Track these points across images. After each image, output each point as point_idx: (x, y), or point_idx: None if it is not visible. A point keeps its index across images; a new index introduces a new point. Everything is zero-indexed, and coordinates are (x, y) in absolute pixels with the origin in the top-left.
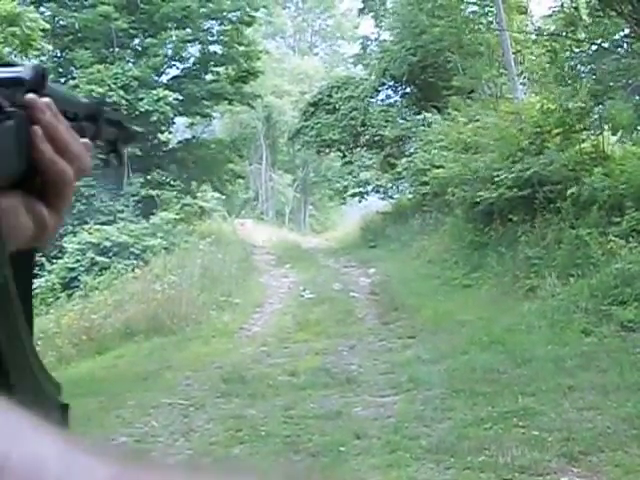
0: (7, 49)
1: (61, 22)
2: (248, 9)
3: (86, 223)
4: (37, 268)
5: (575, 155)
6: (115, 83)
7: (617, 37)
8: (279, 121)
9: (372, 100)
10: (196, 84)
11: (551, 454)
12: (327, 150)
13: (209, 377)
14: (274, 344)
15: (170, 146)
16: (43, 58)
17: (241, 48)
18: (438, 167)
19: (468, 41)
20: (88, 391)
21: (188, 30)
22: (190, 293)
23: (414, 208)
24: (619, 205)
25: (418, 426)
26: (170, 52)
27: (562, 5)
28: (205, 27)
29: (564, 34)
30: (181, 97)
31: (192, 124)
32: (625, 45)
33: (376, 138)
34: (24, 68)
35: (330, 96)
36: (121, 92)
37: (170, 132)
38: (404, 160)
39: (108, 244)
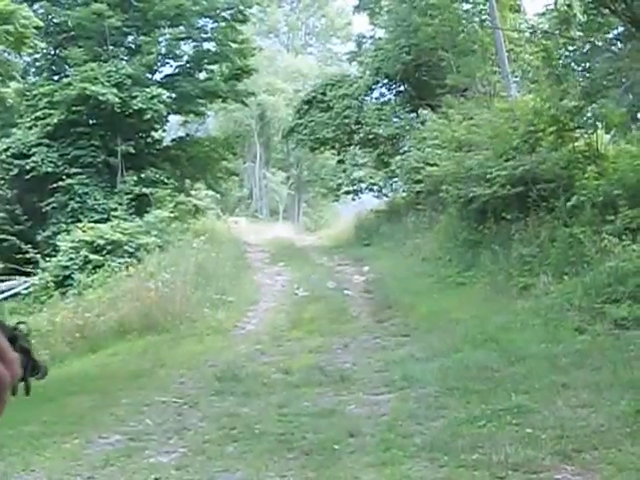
0: (1, 47)
1: (54, 20)
2: (241, 7)
3: (80, 221)
4: (31, 266)
5: (568, 154)
6: (108, 81)
7: (611, 35)
8: (273, 119)
9: (366, 98)
10: (190, 82)
11: (545, 452)
12: (321, 148)
13: (203, 375)
14: (268, 342)
15: (164, 144)
16: (37, 56)
17: (235, 46)
18: (432, 165)
19: (462, 39)
20: (82, 389)
21: (181, 28)
22: (184, 291)
23: (408, 206)
24: (612, 203)
25: (412, 424)
26: (164, 50)
27: (556, 3)
28: (199, 25)
29: (558, 32)
30: (175, 95)
31: (186, 122)
32: (619, 43)
33: (370, 136)
34: None
35: (324, 94)
36: (114, 90)
37: (164, 130)
38: (398, 158)
39: (102, 242)
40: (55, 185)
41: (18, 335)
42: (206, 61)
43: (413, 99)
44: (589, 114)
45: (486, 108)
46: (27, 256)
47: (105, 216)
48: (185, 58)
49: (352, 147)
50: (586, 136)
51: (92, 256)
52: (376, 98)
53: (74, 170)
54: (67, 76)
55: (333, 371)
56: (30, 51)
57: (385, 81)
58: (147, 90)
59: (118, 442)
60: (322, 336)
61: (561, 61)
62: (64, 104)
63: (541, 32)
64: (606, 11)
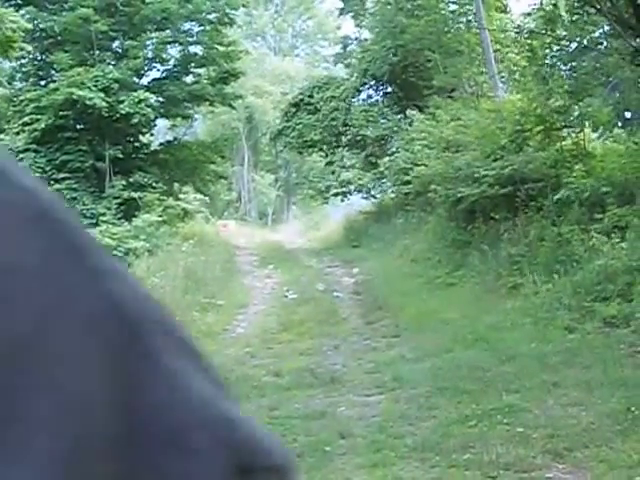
0: None
1: (40, 25)
2: (227, 9)
3: None
4: None
5: (556, 153)
6: (95, 86)
7: (597, 34)
8: (261, 122)
9: (353, 100)
10: (177, 86)
11: (536, 451)
12: (309, 150)
13: None
14: (258, 345)
15: (152, 148)
16: (23, 61)
17: (221, 49)
18: (420, 166)
19: (448, 40)
20: None
21: (168, 32)
22: (173, 295)
23: (397, 207)
24: (600, 202)
25: (403, 425)
26: (150, 54)
27: (541, 3)
28: (185, 28)
29: (543, 32)
30: (162, 99)
31: (174, 126)
32: (605, 42)
33: (358, 138)
34: None
35: (311, 96)
36: (101, 95)
37: (151, 134)
38: (386, 159)
39: None
40: None
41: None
42: (193, 65)
43: (401, 100)
44: (576, 113)
45: (473, 108)
46: None
47: (93, 221)
48: (172, 62)
49: (340, 149)
50: (573, 135)
51: None
52: (363, 100)
53: (62, 175)
54: (54, 81)
55: (324, 373)
56: (17, 56)
57: (372, 82)
58: (134, 94)
59: None
60: (312, 338)
61: (547, 61)
62: (51, 109)
63: (527, 32)
64: (592, 10)
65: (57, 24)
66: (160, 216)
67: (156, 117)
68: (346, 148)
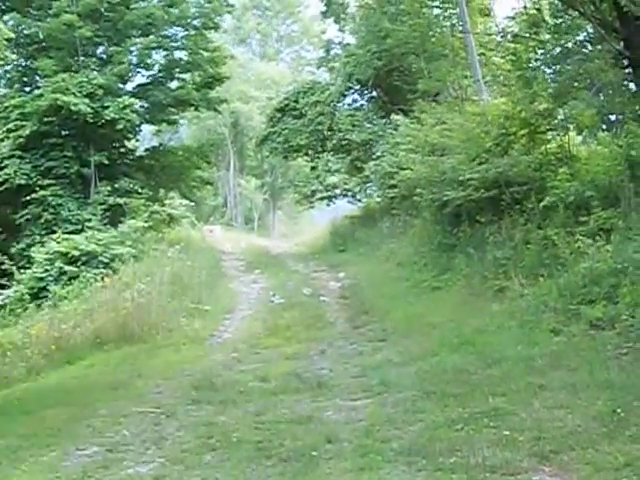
0: None
1: (25, 31)
2: (212, 15)
3: (54, 232)
4: (6, 279)
5: (541, 156)
6: (80, 91)
7: (580, 38)
8: (246, 127)
9: (339, 105)
10: (162, 91)
11: (522, 454)
12: (295, 155)
13: (180, 385)
14: (245, 350)
15: (137, 154)
16: (7, 68)
17: (206, 54)
18: (405, 170)
19: (432, 44)
20: (58, 401)
21: (152, 37)
22: (160, 301)
23: (382, 211)
24: (585, 205)
25: (389, 429)
26: (135, 60)
27: (525, 7)
28: (169, 34)
29: (527, 36)
30: (147, 104)
31: (159, 131)
32: (589, 45)
33: (343, 142)
34: None
35: (296, 101)
36: (86, 100)
37: (137, 140)
38: (372, 163)
39: (76, 253)
40: (28, 197)
41: None
42: (178, 70)
43: (385, 104)
44: (560, 116)
45: (458, 112)
46: (2, 268)
47: (79, 227)
48: (157, 67)
49: (326, 153)
50: (558, 138)
51: (67, 267)
52: (349, 104)
53: (47, 181)
54: (38, 87)
55: (310, 377)
56: (1, 63)
57: (357, 87)
58: (119, 100)
59: (96, 454)
60: (299, 343)
61: (531, 64)
62: (36, 115)
63: (511, 36)
64: (575, 13)
65: (41, 30)
66: (146, 222)
67: (141, 123)
68: (332, 153)
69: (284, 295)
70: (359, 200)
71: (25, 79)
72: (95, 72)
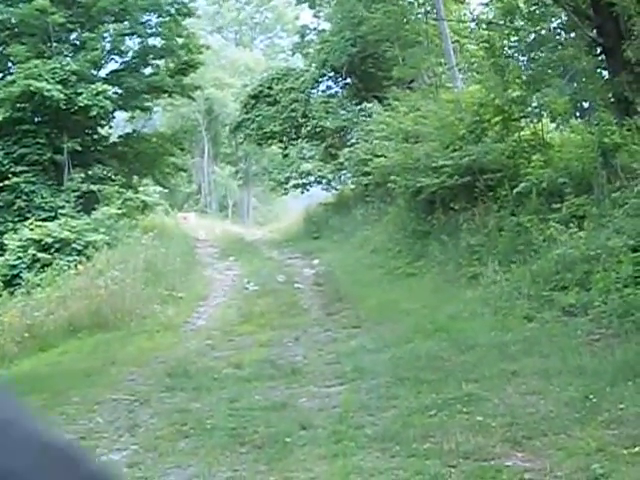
0: None
1: None
2: (185, 0)
3: (27, 219)
4: None
5: (514, 143)
6: (53, 78)
7: (554, 25)
8: (221, 114)
9: (313, 91)
10: (135, 77)
11: (495, 439)
12: (268, 142)
13: (154, 372)
14: (219, 337)
15: (111, 140)
16: None
17: (180, 40)
18: (380, 157)
19: (407, 31)
20: (31, 389)
21: (126, 23)
22: (134, 288)
23: (357, 198)
24: (559, 192)
25: (363, 415)
26: (108, 46)
27: None
28: (143, 20)
29: (501, 23)
30: (120, 91)
31: (132, 118)
32: (562, 33)
33: (317, 129)
34: None
35: (270, 88)
36: (59, 87)
37: (110, 126)
38: (346, 150)
39: (50, 240)
40: (1, 184)
41: None
42: (151, 56)
43: (360, 91)
44: (534, 104)
45: (432, 99)
46: None
47: (52, 214)
48: (130, 53)
49: (300, 140)
50: (531, 125)
51: (40, 255)
52: (323, 91)
53: (20, 168)
54: (11, 73)
55: (284, 364)
56: None
57: (331, 74)
58: (92, 86)
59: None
60: (273, 330)
61: (505, 51)
62: (8, 102)
63: (485, 23)
64: (549, 1)
65: (13, 16)
66: (119, 209)
67: (115, 109)
68: (306, 139)
69: (258, 282)
70: (333, 187)
71: None
72: (68, 58)
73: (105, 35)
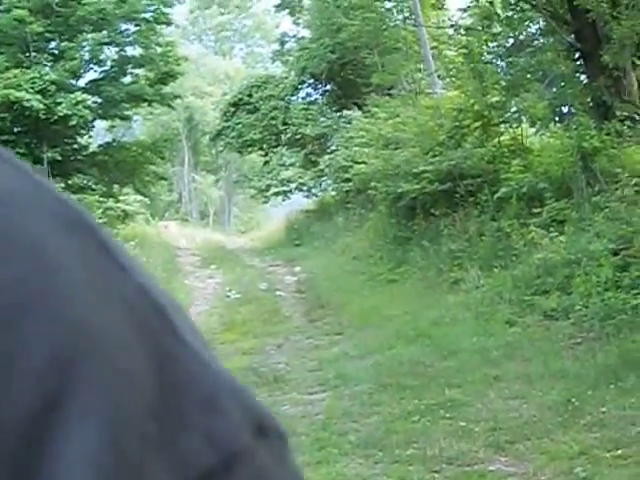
0: None
1: None
2: (162, 7)
3: None
4: None
5: (494, 148)
6: (32, 87)
7: (532, 30)
8: (201, 122)
9: (292, 98)
10: (115, 86)
11: (478, 444)
12: (249, 150)
13: None
14: None
15: (91, 150)
16: None
17: (159, 50)
18: (360, 163)
19: (385, 38)
20: None
21: (104, 32)
22: None
23: (338, 205)
24: (539, 196)
25: (346, 422)
26: (87, 55)
27: (477, 0)
28: (122, 29)
29: (480, 29)
30: (100, 100)
31: (112, 127)
32: (540, 38)
33: (297, 136)
34: None
35: (250, 96)
36: (38, 96)
37: (90, 136)
38: (326, 157)
39: None
40: None
41: None
42: (131, 65)
43: (340, 98)
44: (513, 108)
45: (412, 106)
46: None
47: None
48: (109, 63)
49: (280, 148)
50: (511, 130)
51: None
52: (302, 98)
53: None
54: None
55: (267, 372)
56: None
57: (311, 81)
58: (72, 96)
59: None
60: (255, 337)
61: (483, 57)
62: None
63: (463, 29)
64: (527, 6)
65: None
66: (100, 218)
67: (94, 118)
68: (286, 147)
69: (240, 290)
70: (314, 194)
71: None
72: (47, 68)
73: (84, 44)
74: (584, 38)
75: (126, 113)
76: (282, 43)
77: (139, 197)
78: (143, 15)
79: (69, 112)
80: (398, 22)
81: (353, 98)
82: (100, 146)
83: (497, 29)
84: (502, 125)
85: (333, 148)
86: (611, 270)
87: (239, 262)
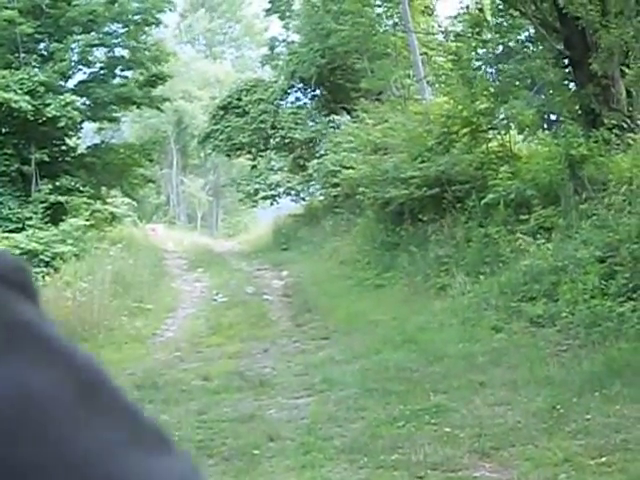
0: None
1: None
2: (153, 11)
3: None
4: None
5: (482, 155)
6: (21, 89)
7: (522, 38)
8: (190, 125)
9: (282, 103)
10: (103, 88)
11: (463, 450)
12: (237, 153)
13: (122, 384)
14: (187, 349)
15: (79, 151)
16: None
17: (148, 52)
18: (348, 168)
19: (375, 43)
20: None
21: (94, 34)
22: (102, 300)
23: (326, 210)
24: (526, 203)
25: (331, 426)
26: (76, 56)
27: (467, 7)
28: (111, 31)
29: (469, 35)
30: (89, 102)
31: (100, 129)
32: (529, 45)
33: (286, 140)
34: None
35: (239, 99)
36: (27, 98)
37: (78, 137)
38: (314, 162)
39: (17, 252)
40: None
41: None
42: (120, 67)
43: (329, 103)
44: (501, 115)
45: (400, 111)
46: None
47: (20, 225)
48: (98, 64)
49: (268, 151)
50: (499, 137)
51: None
52: (292, 102)
53: None
54: None
55: (253, 376)
56: None
57: (300, 85)
58: (60, 97)
59: None
60: (241, 341)
61: (472, 63)
62: None
63: (453, 35)
64: (516, 13)
65: None
66: (87, 220)
67: (83, 120)
68: (274, 151)
69: (227, 294)
70: (302, 199)
71: None
72: (36, 69)
73: (73, 46)
74: (573, 46)
75: (115, 115)
76: (272, 47)
77: (127, 199)
78: (133, 17)
79: (58, 113)
80: (388, 28)
81: (342, 103)
82: (88, 148)
83: (487, 36)
84: (490, 132)
85: (321, 153)
86: (597, 278)
87: (226, 266)
